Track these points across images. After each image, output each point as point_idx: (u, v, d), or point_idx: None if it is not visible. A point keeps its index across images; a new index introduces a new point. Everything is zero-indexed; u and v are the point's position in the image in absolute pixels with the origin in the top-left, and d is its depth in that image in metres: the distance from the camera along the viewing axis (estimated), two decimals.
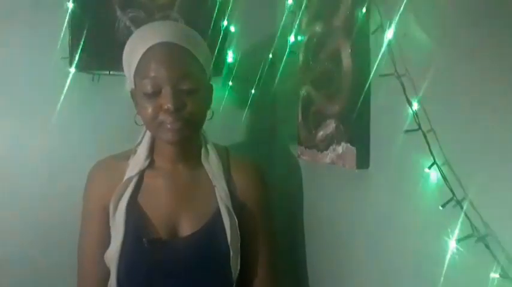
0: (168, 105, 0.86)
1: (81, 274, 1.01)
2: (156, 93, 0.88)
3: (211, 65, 1.03)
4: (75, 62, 1.18)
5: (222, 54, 1.26)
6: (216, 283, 0.97)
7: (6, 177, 1.19)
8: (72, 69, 1.18)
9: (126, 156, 1.02)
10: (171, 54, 0.88)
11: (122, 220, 0.94)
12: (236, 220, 0.97)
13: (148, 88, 0.87)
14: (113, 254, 0.94)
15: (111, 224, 0.97)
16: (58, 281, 1.18)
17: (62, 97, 1.18)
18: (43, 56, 1.18)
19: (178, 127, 0.89)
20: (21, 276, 1.19)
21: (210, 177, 0.99)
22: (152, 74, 0.87)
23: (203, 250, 0.96)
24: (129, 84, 0.96)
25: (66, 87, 1.18)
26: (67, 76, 1.18)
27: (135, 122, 0.97)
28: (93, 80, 1.21)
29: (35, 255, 1.20)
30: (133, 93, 0.95)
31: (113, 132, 1.20)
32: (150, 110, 0.89)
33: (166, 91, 0.87)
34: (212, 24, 1.24)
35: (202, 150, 1.01)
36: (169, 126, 0.89)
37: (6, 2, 1.17)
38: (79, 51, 1.17)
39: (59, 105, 1.19)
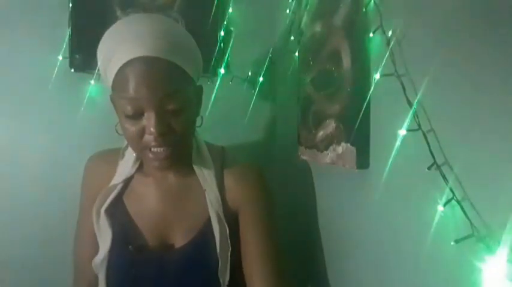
0: (152, 129, 0.77)
1: (75, 272, 1.01)
2: (138, 116, 0.78)
3: (201, 67, 0.91)
4: (75, 62, 1.18)
5: (222, 54, 1.26)
6: None
7: (6, 177, 1.19)
8: (72, 70, 1.18)
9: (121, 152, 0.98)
10: (153, 71, 0.76)
11: (106, 226, 0.90)
12: (226, 227, 0.90)
13: (129, 109, 0.77)
14: (100, 261, 0.90)
15: (96, 230, 0.92)
16: (58, 281, 1.17)
17: (62, 97, 1.19)
18: (43, 56, 1.18)
19: (165, 155, 0.81)
20: (21, 276, 1.19)
21: (201, 181, 0.92)
22: (132, 95, 0.76)
23: (192, 261, 0.91)
24: (106, 83, 0.86)
25: (66, 87, 1.18)
26: (67, 76, 1.18)
27: (116, 131, 0.86)
28: (93, 80, 1.21)
29: (35, 255, 1.20)
30: (112, 100, 0.84)
31: (113, 132, 1.20)
32: (132, 131, 0.79)
33: (150, 115, 0.77)
34: (212, 24, 1.25)
35: (193, 153, 0.93)
36: (155, 152, 0.81)
37: (6, 2, 1.17)
38: (79, 51, 1.18)
39: (59, 105, 1.19)
